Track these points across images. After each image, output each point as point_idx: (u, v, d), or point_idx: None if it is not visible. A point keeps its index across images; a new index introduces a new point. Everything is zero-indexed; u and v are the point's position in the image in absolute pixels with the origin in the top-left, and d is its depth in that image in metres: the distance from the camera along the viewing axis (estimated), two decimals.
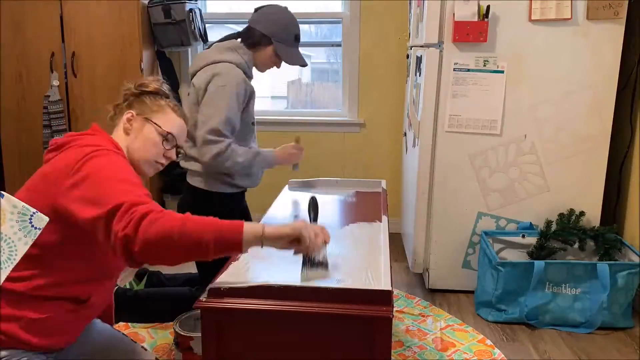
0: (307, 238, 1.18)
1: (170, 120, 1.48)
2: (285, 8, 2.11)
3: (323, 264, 1.27)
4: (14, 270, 1.22)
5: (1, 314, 1.24)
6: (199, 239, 1.11)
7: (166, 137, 1.45)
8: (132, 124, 1.45)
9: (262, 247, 1.17)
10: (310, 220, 1.44)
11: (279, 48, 2.05)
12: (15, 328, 1.25)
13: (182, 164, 2.17)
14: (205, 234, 1.12)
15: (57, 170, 1.27)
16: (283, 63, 2.15)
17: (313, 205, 1.47)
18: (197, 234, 1.12)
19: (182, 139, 1.52)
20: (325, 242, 1.26)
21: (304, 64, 2.17)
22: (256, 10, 2.14)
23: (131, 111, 1.45)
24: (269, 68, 2.17)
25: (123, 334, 1.62)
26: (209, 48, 2.15)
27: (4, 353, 1.25)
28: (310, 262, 1.25)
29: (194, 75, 2.11)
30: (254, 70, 2.17)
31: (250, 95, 2.07)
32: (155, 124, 1.45)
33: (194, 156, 2.10)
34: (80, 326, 1.41)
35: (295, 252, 1.23)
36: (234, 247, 1.15)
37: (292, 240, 1.19)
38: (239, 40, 2.11)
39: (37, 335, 1.27)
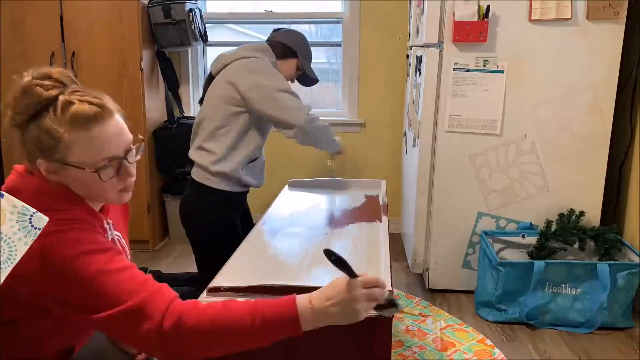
0: (361, 311, 1.00)
1: (90, 145, 1.03)
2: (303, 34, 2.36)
3: (390, 304, 1.09)
4: None
5: None
6: (244, 329, 0.96)
7: (104, 167, 1.05)
8: (55, 175, 1.06)
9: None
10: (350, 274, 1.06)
11: (303, 63, 2.28)
12: None
13: (192, 154, 2.17)
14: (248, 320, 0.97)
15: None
16: (296, 82, 2.36)
17: (337, 262, 1.04)
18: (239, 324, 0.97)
19: (124, 139, 1.09)
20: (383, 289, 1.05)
21: (317, 80, 2.39)
22: (277, 30, 2.34)
23: (41, 159, 1.05)
24: (288, 80, 2.28)
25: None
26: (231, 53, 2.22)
27: None
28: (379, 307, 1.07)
29: (218, 71, 2.16)
30: None
31: None
32: (76, 167, 1.04)
33: (206, 148, 2.10)
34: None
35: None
36: (291, 327, 0.99)
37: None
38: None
39: None
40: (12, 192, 1.02)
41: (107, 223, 1.20)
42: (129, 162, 1.10)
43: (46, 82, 1.05)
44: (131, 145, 1.11)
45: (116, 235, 1.24)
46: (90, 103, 1.05)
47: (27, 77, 1.06)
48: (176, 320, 0.96)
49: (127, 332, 0.98)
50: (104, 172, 1.06)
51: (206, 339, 0.96)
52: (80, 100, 1.04)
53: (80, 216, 1.07)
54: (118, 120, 1.09)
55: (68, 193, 1.08)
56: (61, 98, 1.04)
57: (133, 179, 1.13)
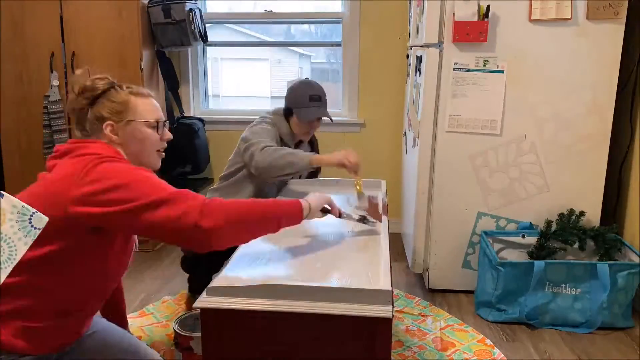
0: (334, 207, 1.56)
1: (147, 108, 1.42)
2: (304, 79, 2.43)
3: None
4: (9, 276, 1.18)
5: None
6: (266, 217, 1.29)
7: (156, 125, 1.42)
8: (118, 132, 1.38)
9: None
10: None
11: (298, 113, 2.30)
12: (7, 335, 1.22)
13: None
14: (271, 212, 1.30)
15: (64, 179, 1.25)
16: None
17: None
18: (264, 212, 1.28)
19: (162, 114, 1.48)
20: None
21: (325, 116, 2.35)
22: None
23: (109, 122, 1.38)
24: (307, 131, 2.38)
25: (129, 332, 1.62)
26: None
27: None
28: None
29: None
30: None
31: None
32: (139, 121, 1.40)
33: None
34: (74, 332, 1.39)
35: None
36: (296, 219, 1.39)
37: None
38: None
39: (29, 343, 1.25)
40: (79, 144, 1.34)
41: None
42: (166, 130, 1.47)
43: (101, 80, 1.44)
44: (166, 122, 1.49)
45: None
46: (142, 89, 1.46)
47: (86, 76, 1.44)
48: (214, 200, 1.22)
49: (170, 212, 1.17)
50: (157, 128, 1.42)
51: (239, 215, 1.23)
52: (132, 87, 1.45)
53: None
54: (156, 100, 1.49)
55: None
56: (117, 87, 1.44)
57: (165, 145, 1.47)
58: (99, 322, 1.55)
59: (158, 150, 1.45)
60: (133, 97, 1.41)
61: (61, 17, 3.14)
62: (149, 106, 1.43)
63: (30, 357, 1.27)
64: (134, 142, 1.39)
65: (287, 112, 2.35)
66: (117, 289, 1.67)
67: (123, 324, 1.70)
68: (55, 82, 3.17)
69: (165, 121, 1.47)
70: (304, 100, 2.30)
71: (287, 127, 2.34)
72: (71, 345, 1.40)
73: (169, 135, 1.47)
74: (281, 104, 2.38)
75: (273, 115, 2.36)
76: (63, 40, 3.17)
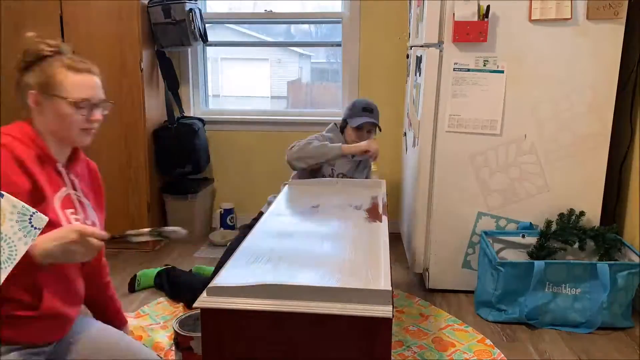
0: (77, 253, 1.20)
1: (75, 85, 1.32)
2: (361, 99, 2.72)
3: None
4: None
5: None
6: None
7: (79, 105, 1.32)
8: (40, 103, 1.32)
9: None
10: None
11: (351, 120, 2.56)
12: None
13: None
14: None
15: None
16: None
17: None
18: None
19: (98, 93, 1.37)
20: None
21: (372, 123, 2.56)
22: None
23: (32, 91, 1.32)
24: (357, 141, 2.54)
25: (122, 332, 1.62)
26: None
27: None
28: None
29: None
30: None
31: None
32: (61, 97, 1.30)
33: None
34: (54, 317, 1.35)
35: None
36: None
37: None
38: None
39: (12, 330, 1.27)
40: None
41: (64, 171, 1.37)
42: (101, 109, 1.38)
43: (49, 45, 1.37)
44: (102, 102, 1.39)
45: (78, 195, 1.41)
46: (82, 62, 1.37)
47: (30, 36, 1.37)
48: None
49: None
50: (80, 107, 1.32)
51: None
52: (73, 59, 1.36)
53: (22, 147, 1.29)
54: (98, 81, 1.39)
55: (37, 132, 1.34)
56: (60, 55, 1.36)
57: (96, 125, 1.38)
58: (93, 323, 1.53)
59: (85, 129, 1.35)
60: (65, 70, 1.32)
61: (61, 17, 3.14)
62: (79, 83, 1.33)
63: (17, 352, 1.28)
64: (53, 117, 1.32)
65: (343, 124, 2.61)
66: (102, 291, 1.63)
67: (119, 319, 1.68)
68: None
69: (98, 102, 1.36)
70: (357, 111, 2.57)
71: (341, 138, 2.60)
72: (61, 338, 1.39)
73: (97, 117, 1.36)
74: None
75: (330, 129, 2.65)
76: (63, 40, 3.15)
